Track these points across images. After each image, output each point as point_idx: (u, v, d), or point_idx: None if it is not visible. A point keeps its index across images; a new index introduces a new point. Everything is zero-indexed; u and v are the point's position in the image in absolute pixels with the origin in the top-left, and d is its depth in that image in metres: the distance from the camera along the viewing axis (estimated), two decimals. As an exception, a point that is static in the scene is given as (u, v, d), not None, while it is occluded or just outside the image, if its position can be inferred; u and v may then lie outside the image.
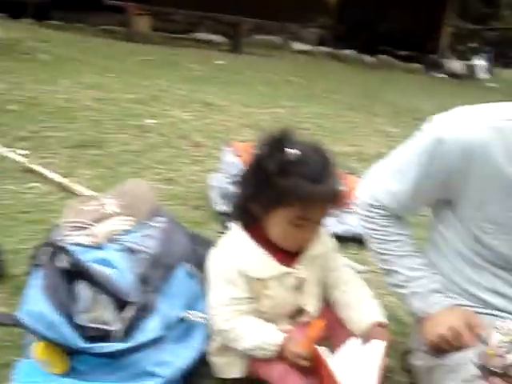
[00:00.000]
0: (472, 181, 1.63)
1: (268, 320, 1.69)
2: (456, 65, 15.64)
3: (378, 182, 1.83)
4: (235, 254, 1.66)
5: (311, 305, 1.75)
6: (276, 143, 1.58)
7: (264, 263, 1.66)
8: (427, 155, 1.67)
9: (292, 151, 1.56)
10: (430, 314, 1.73)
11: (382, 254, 1.84)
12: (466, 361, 1.59)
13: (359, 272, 2.54)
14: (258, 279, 1.65)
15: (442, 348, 1.68)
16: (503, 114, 1.61)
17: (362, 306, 1.75)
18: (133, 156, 3.64)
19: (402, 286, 1.81)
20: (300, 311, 1.75)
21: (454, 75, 14.96)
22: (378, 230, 1.83)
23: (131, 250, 1.85)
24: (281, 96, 6.72)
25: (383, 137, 5.47)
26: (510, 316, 1.70)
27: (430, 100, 8.67)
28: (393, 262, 1.81)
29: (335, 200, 1.64)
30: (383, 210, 1.82)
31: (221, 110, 5.38)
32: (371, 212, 1.83)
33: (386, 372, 1.87)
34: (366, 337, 1.65)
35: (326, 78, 8.94)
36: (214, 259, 1.69)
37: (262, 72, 8.40)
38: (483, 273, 1.72)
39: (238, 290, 1.64)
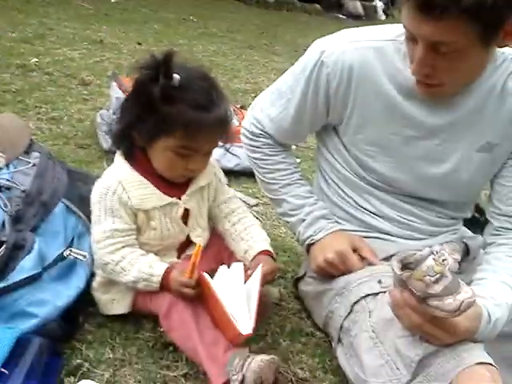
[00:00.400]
0: (354, 103, 1.61)
1: (156, 253, 1.65)
2: (356, 5, 15.74)
3: (261, 109, 1.80)
4: (117, 185, 1.59)
5: (198, 236, 1.71)
6: (159, 67, 1.48)
7: (147, 194, 1.60)
8: (308, 79, 1.64)
9: (176, 76, 1.47)
10: (317, 240, 1.74)
11: (269, 183, 1.84)
12: (353, 283, 1.61)
13: (251, 206, 2.55)
14: (141, 210, 1.60)
15: (328, 273, 1.69)
16: (382, 35, 1.59)
17: (248, 236, 1.74)
18: (15, 96, 3.42)
19: (289, 215, 1.81)
20: (188, 243, 1.71)
21: (353, 16, 15.07)
22: (263, 160, 1.82)
23: (2, 188, 1.73)
24: (176, 34, 6.50)
25: (281, 74, 5.41)
26: (396, 239, 1.73)
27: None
28: (280, 190, 1.82)
29: (223, 129, 1.59)
30: (268, 138, 1.81)
31: (112, 47, 5.13)
32: (256, 141, 1.82)
33: (278, 299, 1.91)
34: (253, 265, 1.64)
35: (225, 18, 8.73)
36: (97, 191, 1.61)
37: (158, 11, 8.10)
38: (368, 197, 1.74)
39: (122, 222, 1.59)
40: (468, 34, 1.31)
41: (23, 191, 1.73)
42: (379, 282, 1.56)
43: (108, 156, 2.74)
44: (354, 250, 1.69)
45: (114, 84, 3.02)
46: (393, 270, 1.28)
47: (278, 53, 6.77)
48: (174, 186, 1.64)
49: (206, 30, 7.35)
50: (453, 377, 1.28)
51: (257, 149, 1.82)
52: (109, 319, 1.68)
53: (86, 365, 1.51)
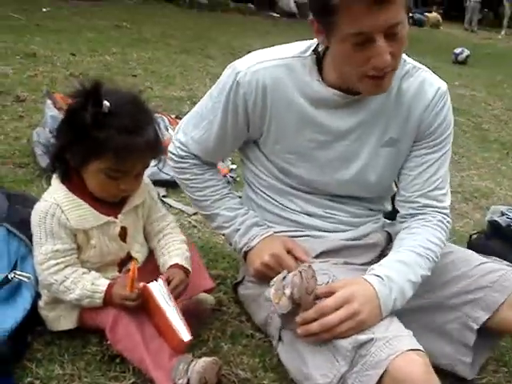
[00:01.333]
0: (270, 117, 1.74)
1: (97, 270, 1.72)
2: (289, 3, 15.88)
3: (184, 133, 1.89)
4: (56, 207, 1.65)
5: (137, 252, 1.80)
6: (89, 95, 1.55)
7: (84, 214, 1.67)
8: (227, 100, 1.75)
9: (106, 103, 1.54)
10: (252, 246, 1.84)
11: (200, 200, 1.94)
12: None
13: (190, 215, 2.63)
14: (80, 230, 1.67)
15: (266, 275, 1.78)
16: (289, 53, 1.73)
17: (166, 251, 1.82)
18: None
19: (223, 227, 1.91)
20: (129, 258, 1.79)
21: (287, 14, 15.23)
22: (192, 179, 1.92)
23: None
24: (109, 42, 6.52)
25: (216, 79, 5.48)
26: (324, 233, 1.86)
27: (262, 40, 8.82)
28: (212, 206, 1.92)
29: (152, 151, 1.68)
30: (194, 159, 1.90)
31: (46, 60, 5.12)
32: (184, 163, 1.91)
33: (217, 305, 2.00)
34: (167, 276, 1.74)
35: (157, 22, 8.78)
36: (36, 215, 1.67)
37: (90, 19, 8.08)
38: (293, 199, 1.87)
39: (62, 243, 1.65)
40: (403, 14, 1.49)
41: (-36, 218, 1.77)
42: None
43: (46, 174, 2.78)
44: (288, 252, 1.80)
45: (49, 102, 3.05)
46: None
47: (212, 57, 6.85)
48: (109, 205, 1.71)
49: (140, 36, 7.39)
50: (387, 364, 1.40)
51: (185, 170, 1.92)
52: (57, 336, 1.74)
53: (37, 382, 1.57)
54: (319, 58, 1.69)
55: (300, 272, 1.48)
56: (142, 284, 1.64)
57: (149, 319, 1.63)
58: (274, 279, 1.54)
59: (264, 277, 1.79)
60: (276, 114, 1.73)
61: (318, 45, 1.70)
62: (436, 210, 1.79)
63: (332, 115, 1.72)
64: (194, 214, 2.70)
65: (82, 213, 1.67)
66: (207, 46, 7.53)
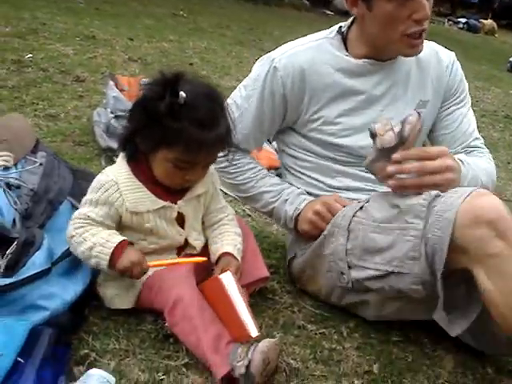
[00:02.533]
0: (309, 96, 1.88)
1: (155, 252, 1.73)
2: (343, 2, 15.78)
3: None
4: (112, 184, 1.67)
5: (195, 239, 1.81)
6: (168, 84, 1.57)
7: (142, 198, 1.69)
8: (263, 86, 1.89)
9: (182, 94, 1.55)
10: (301, 209, 1.94)
11: (243, 183, 2.03)
12: (337, 218, 1.81)
13: (245, 204, 2.63)
14: (134, 213, 1.68)
15: (318, 227, 1.87)
16: (317, 36, 1.94)
17: (219, 240, 1.83)
18: (12, 92, 3.49)
19: (271, 202, 2.00)
20: (186, 246, 1.81)
21: (341, 12, 15.13)
22: (231, 165, 1.99)
23: (12, 186, 1.81)
24: (167, 29, 6.58)
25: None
26: None
27: (316, 36, 8.80)
28: (256, 186, 2.02)
29: (223, 144, 1.68)
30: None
31: (105, 43, 5.20)
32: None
33: (270, 294, 2.01)
34: (217, 266, 1.77)
35: (213, 13, 8.82)
36: (94, 182, 1.70)
37: (147, 5, 8.16)
38: (337, 175, 1.95)
39: (100, 216, 1.66)
40: None
41: (31, 189, 1.82)
42: (358, 202, 1.81)
43: (105, 153, 2.84)
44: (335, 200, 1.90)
45: (111, 83, 3.10)
46: (367, 162, 1.71)
47: (267, 49, 6.75)
48: (170, 191, 1.72)
49: (196, 26, 7.44)
50: (461, 202, 1.49)
51: (222, 158, 1.93)
52: (112, 312, 1.76)
53: (93, 355, 1.60)
54: (343, 38, 1.91)
55: (418, 114, 1.62)
56: (214, 276, 1.68)
57: (210, 305, 1.64)
58: (379, 118, 1.69)
59: (315, 228, 1.89)
60: (314, 91, 1.88)
61: (340, 27, 1.92)
62: (482, 153, 2.00)
63: (365, 82, 1.89)
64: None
65: (139, 196, 1.68)
66: (262, 39, 7.54)
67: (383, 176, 1.67)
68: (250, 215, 2.62)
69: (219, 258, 1.78)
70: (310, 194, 1.98)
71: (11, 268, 1.58)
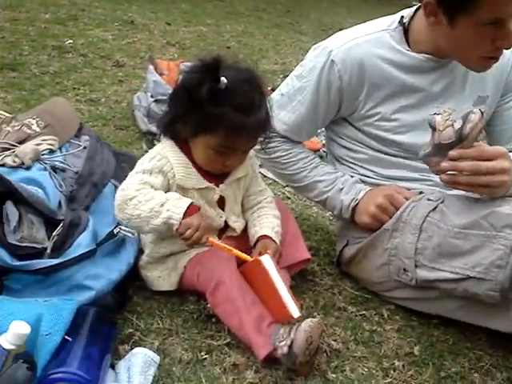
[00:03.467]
0: (367, 91, 1.82)
1: None
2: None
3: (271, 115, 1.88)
4: (160, 157, 1.68)
5: (234, 222, 1.83)
6: (208, 69, 1.57)
7: (190, 174, 1.70)
8: (319, 78, 1.83)
9: (223, 79, 1.55)
10: (360, 199, 1.90)
11: (295, 173, 2.00)
12: (404, 213, 1.78)
13: (284, 186, 2.65)
14: (181, 188, 1.69)
15: (379, 221, 1.84)
16: (377, 27, 1.85)
17: (258, 223, 1.84)
18: (53, 77, 3.55)
19: (325, 192, 1.96)
20: (226, 228, 1.83)
21: (377, -7, 14.91)
22: (284, 155, 1.98)
23: (57, 169, 1.85)
24: (204, 14, 6.59)
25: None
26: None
27: (354, 18, 8.69)
28: (309, 175, 1.98)
29: (263, 129, 1.69)
30: (282, 137, 1.96)
31: (143, 28, 5.24)
32: (271, 142, 1.94)
33: (311, 276, 2.02)
34: (255, 248, 1.78)
35: (250, -4, 8.81)
36: (145, 156, 1.72)
37: (184, -11, 8.19)
38: (392, 167, 1.91)
39: (154, 182, 1.66)
40: None
41: (76, 172, 1.86)
42: (428, 199, 1.76)
43: (146, 137, 2.87)
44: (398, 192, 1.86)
45: (151, 67, 3.13)
46: (423, 154, 1.66)
47: (304, 32, 6.82)
48: (212, 174, 1.73)
49: (233, 9, 7.42)
50: None
51: (275, 148, 1.97)
52: (155, 293, 1.80)
53: (137, 334, 1.63)
54: (405, 30, 1.81)
55: (481, 112, 1.57)
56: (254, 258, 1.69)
57: (251, 286, 1.65)
58: (439, 111, 1.63)
59: (377, 221, 1.85)
60: (372, 86, 1.82)
61: (401, 17, 1.83)
62: None
63: (424, 78, 1.83)
64: (287, 185, 2.71)
65: (187, 171, 1.69)
66: (298, 22, 7.49)
67: (437, 170, 1.65)
68: (289, 198, 2.63)
69: (257, 241, 1.80)
70: (364, 183, 1.95)
71: (58, 249, 1.62)
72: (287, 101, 1.90)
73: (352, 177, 1.95)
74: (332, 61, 1.80)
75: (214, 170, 1.71)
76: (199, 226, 1.60)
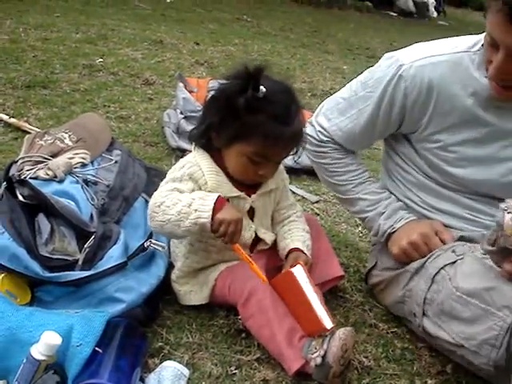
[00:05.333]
0: (431, 114, 1.70)
1: (229, 249, 1.72)
2: (407, 2, 15.56)
3: (327, 119, 1.86)
4: (192, 164, 1.68)
5: (264, 233, 1.82)
6: (247, 78, 1.57)
7: (221, 182, 1.69)
8: (384, 91, 1.72)
9: (262, 88, 1.55)
10: (398, 228, 1.82)
11: (341, 185, 1.91)
12: (428, 260, 1.71)
13: (313, 202, 2.64)
14: None
15: (409, 257, 1.78)
16: (456, 47, 1.68)
17: (288, 236, 1.83)
18: (84, 95, 3.59)
19: (366, 211, 1.89)
20: (258, 241, 1.82)
21: (405, 13, 14.92)
22: (332, 164, 1.89)
23: (89, 182, 1.87)
24: (231, 34, 6.63)
25: (335, 73, 5.50)
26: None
27: (380, 38, 8.72)
28: (353, 190, 1.89)
29: (297, 142, 1.68)
30: (335, 144, 1.87)
31: (172, 48, 5.28)
32: (324, 147, 1.88)
33: (341, 292, 2.00)
34: (286, 261, 1.77)
35: (276, 17, 8.83)
36: (175, 165, 1.72)
37: (211, 10, 8.26)
38: (440, 199, 1.81)
39: (184, 188, 1.65)
40: None
41: (107, 186, 1.88)
42: (453, 251, 1.67)
43: (175, 154, 2.89)
44: (435, 233, 1.77)
45: (181, 85, 3.15)
46: (487, 250, 1.50)
47: (331, 51, 6.82)
48: (245, 184, 1.73)
49: (260, 30, 7.47)
50: None
51: (325, 154, 1.89)
52: (185, 307, 1.80)
53: (167, 348, 1.63)
54: None
55: None
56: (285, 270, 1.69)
57: (282, 299, 1.64)
58: (507, 204, 1.45)
59: (406, 257, 1.78)
60: (438, 111, 1.69)
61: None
62: None
63: (498, 113, 1.67)
64: (317, 202, 2.71)
65: (219, 179, 1.69)
66: (325, 42, 7.50)
67: (498, 265, 1.54)
68: (318, 214, 2.61)
69: (288, 254, 1.78)
70: (406, 205, 1.88)
71: (89, 261, 1.64)
72: (347, 107, 1.82)
73: (398, 200, 1.87)
74: (400, 76, 1.68)
75: (246, 179, 1.70)
76: (232, 220, 1.57)
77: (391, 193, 1.91)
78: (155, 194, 1.66)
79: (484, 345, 1.47)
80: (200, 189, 1.66)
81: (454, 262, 1.63)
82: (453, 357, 1.63)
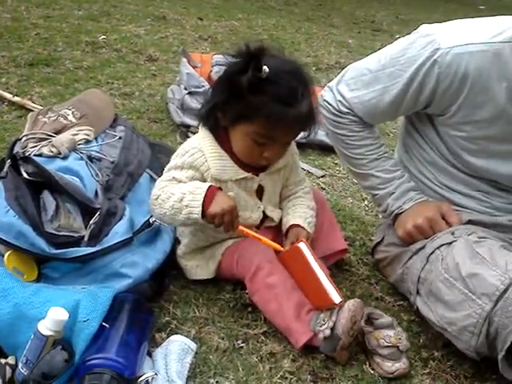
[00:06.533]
0: (462, 104, 1.63)
1: None
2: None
3: (349, 88, 1.78)
4: (196, 150, 1.66)
5: (271, 211, 1.81)
6: (251, 58, 1.53)
7: (226, 166, 1.68)
8: (415, 73, 1.63)
9: (265, 68, 1.51)
10: (406, 209, 1.80)
11: (355, 158, 1.86)
12: (428, 241, 1.71)
13: (318, 177, 2.63)
14: (218, 180, 1.67)
15: (415, 239, 1.77)
16: (499, 35, 1.57)
17: (293, 211, 1.81)
18: (87, 72, 3.57)
19: (377, 188, 1.86)
20: (264, 220, 1.81)
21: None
22: (349, 136, 1.83)
23: (93, 159, 1.87)
24: (235, 8, 6.57)
25: (340, 47, 5.45)
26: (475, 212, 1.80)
27: (385, 11, 8.62)
28: (367, 165, 1.85)
29: (303, 125, 1.64)
30: (355, 116, 1.80)
31: (175, 23, 5.25)
32: (343, 118, 1.81)
33: (347, 266, 2.00)
34: (286, 237, 1.76)
35: (281, -10, 8.78)
36: (179, 149, 1.70)
37: (215, -15, 8.20)
38: (454, 180, 1.80)
39: (186, 177, 1.64)
40: None
41: (112, 162, 1.87)
42: (452, 233, 1.67)
43: (180, 129, 2.88)
44: (442, 216, 1.76)
45: (184, 60, 3.12)
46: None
47: (336, 25, 6.76)
48: (250, 165, 1.70)
49: (264, 4, 7.40)
50: None
51: (342, 125, 1.82)
52: (191, 281, 1.81)
53: (174, 322, 1.64)
54: None
55: None
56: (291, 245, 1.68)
57: (290, 274, 1.65)
58: None
59: (412, 239, 1.77)
60: (469, 102, 1.62)
61: None
62: None
63: None
64: (322, 176, 2.70)
65: (223, 164, 1.67)
66: (330, 15, 7.43)
67: None
68: (324, 188, 2.60)
69: (288, 230, 1.77)
70: (422, 183, 1.85)
71: (95, 238, 1.64)
72: (373, 80, 1.72)
73: (410, 181, 1.84)
74: (435, 60, 1.58)
75: (252, 161, 1.67)
76: (224, 211, 1.55)
77: (405, 167, 1.89)
78: (156, 182, 1.66)
79: (464, 331, 1.49)
80: (202, 175, 1.65)
81: (451, 244, 1.62)
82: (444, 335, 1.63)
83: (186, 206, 1.55)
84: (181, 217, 1.57)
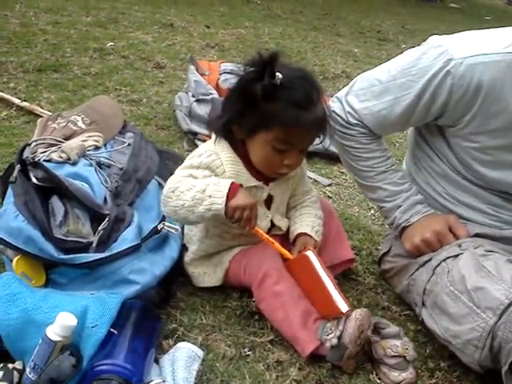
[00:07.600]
0: (474, 115, 1.61)
1: (244, 236, 1.74)
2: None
3: (359, 100, 1.76)
4: (211, 153, 1.66)
5: (279, 220, 1.81)
6: (263, 66, 1.54)
7: (238, 171, 1.68)
8: (427, 84, 1.62)
9: (279, 75, 1.52)
10: (413, 222, 1.79)
11: (363, 170, 1.84)
12: (436, 254, 1.71)
13: (325, 186, 2.64)
14: None
15: (422, 252, 1.77)
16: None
17: (300, 220, 1.82)
18: (95, 78, 3.59)
19: (385, 201, 1.85)
20: (272, 227, 1.81)
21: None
22: (357, 148, 1.81)
23: (103, 165, 1.87)
24: (242, 17, 6.61)
25: (347, 56, 5.47)
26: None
27: (391, 20, 8.65)
28: (375, 178, 1.83)
29: (319, 128, 1.64)
30: (364, 128, 1.78)
31: (182, 31, 5.28)
32: (351, 130, 1.79)
33: (353, 275, 2.00)
34: (294, 245, 1.76)
35: (287, -1, 8.82)
36: (194, 151, 1.71)
37: (222, -7, 8.25)
38: (464, 192, 1.78)
39: (200, 175, 1.63)
40: None
41: (121, 169, 1.88)
42: (459, 246, 1.67)
43: (187, 137, 2.89)
44: (449, 229, 1.75)
45: (192, 67, 3.14)
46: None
47: (342, 34, 6.78)
48: (262, 174, 1.70)
49: (270, 12, 7.43)
50: None
51: (351, 137, 1.80)
52: (198, 289, 1.81)
53: (181, 329, 1.64)
54: None
55: None
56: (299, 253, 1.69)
57: (297, 282, 1.65)
58: None
59: (419, 253, 1.77)
60: (483, 112, 1.60)
61: None
62: None
63: None
64: (329, 185, 2.71)
65: (237, 169, 1.67)
66: (336, 24, 7.46)
67: None
68: (330, 197, 2.61)
69: (296, 239, 1.78)
70: (426, 193, 1.85)
71: (103, 243, 1.64)
72: (383, 91, 1.70)
73: (418, 193, 1.83)
74: (448, 71, 1.56)
75: (272, 170, 1.67)
76: (246, 205, 1.56)
77: (413, 179, 1.88)
78: (170, 179, 1.65)
79: (468, 345, 1.49)
80: (214, 175, 1.65)
81: (457, 256, 1.62)
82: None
83: (210, 196, 1.55)
84: (200, 208, 1.56)
